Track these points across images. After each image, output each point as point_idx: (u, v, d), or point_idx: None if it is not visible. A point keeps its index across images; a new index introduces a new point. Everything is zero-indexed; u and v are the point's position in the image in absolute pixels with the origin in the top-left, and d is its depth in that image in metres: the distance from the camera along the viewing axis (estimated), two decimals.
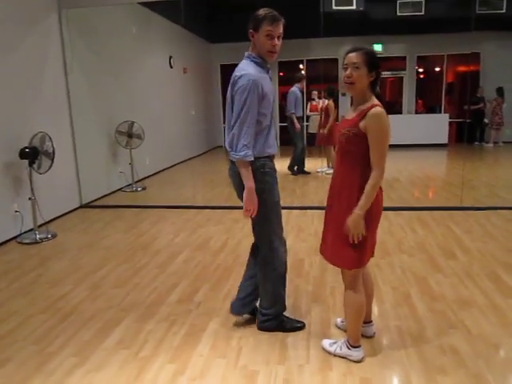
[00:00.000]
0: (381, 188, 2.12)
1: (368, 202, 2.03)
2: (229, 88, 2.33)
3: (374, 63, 2.05)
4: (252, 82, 2.21)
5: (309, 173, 7.64)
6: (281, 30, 2.28)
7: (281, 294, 2.54)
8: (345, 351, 2.25)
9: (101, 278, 3.43)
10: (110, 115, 6.36)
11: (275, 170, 2.45)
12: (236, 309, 2.64)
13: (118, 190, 6.47)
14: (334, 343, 2.32)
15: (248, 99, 2.21)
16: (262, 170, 2.34)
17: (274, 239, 2.46)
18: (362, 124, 2.03)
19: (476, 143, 10.24)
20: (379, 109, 2.01)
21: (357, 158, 2.07)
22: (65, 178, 5.32)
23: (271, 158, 2.42)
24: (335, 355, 2.28)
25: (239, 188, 2.37)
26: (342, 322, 2.55)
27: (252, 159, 2.27)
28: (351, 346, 2.23)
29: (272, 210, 2.41)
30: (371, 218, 2.09)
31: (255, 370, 2.20)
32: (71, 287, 3.26)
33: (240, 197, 2.39)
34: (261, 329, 2.57)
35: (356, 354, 2.22)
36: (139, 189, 6.57)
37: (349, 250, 2.11)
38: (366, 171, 2.04)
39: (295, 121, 7.39)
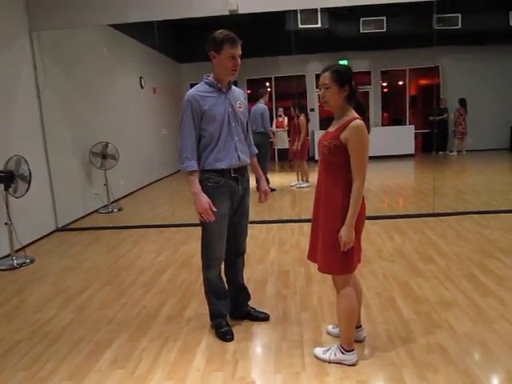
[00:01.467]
0: (363, 197, 2.23)
1: (355, 212, 2.13)
2: None
3: (343, 79, 2.16)
4: (187, 101, 2.44)
5: (274, 189, 7.30)
6: (240, 50, 2.47)
7: (213, 301, 2.71)
8: (339, 356, 2.31)
9: (86, 300, 3.38)
10: (84, 136, 6.31)
11: (228, 185, 2.55)
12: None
13: (94, 211, 6.38)
14: (327, 350, 2.38)
15: (184, 115, 2.45)
16: (206, 182, 2.51)
17: (207, 253, 2.64)
18: (342, 136, 2.14)
19: (440, 153, 10.64)
20: (358, 121, 2.13)
21: (339, 168, 2.18)
22: (40, 201, 5.23)
23: (223, 171, 2.52)
24: (330, 362, 2.33)
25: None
26: (334, 328, 2.61)
27: (193, 169, 2.46)
28: (345, 351, 2.30)
29: (209, 224, 2.53)
30: (357, 228, 2.20)
31: (253, 381, 2.23)
32: (56, 311, 3.20)
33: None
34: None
35: (350, 357, 2.28)
36: (115, 210, 6.50)
37: (338, 256, 2.19)
38: (349, 179, 2.16)
39: (273, 138, 7.48)
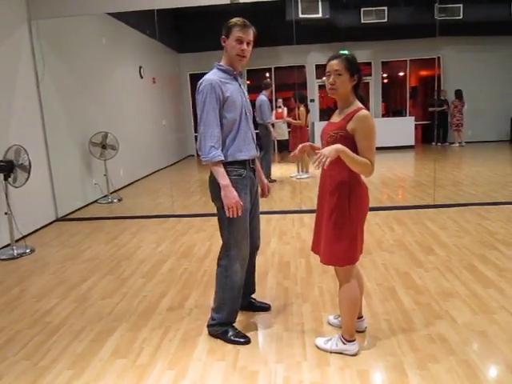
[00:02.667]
0: (366, 187, 2.23)
1: (352, 160, 2.07)
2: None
3: (354, 68, 2.14)
4: (209, 85, 2.29)
5: (274, 180, 7.52)
6: (250, 36, 2.38)
7: (228, 303, 2.51)
8: (341, 346, 2.32)
9: (87, 290, 3.38)
10: (83, 126, 6.28)
11: (249, 177, 2.45)
12: None
13: (94, 201, 6.37)
14: (329, 340, 2.38)
15: (207, 101, 2.29)
16: (229, 175, 2.35)
17: (232, 247, 2.45)
18: (349, 126, 2.12)
19: (439, 144, 10.63)
20: (365, 111, 2.11)
21: (341, 161, 2.16)
22: (39, 191, 5.22)
23: (244, 162, 2.43)
24: (331, 352, 2.34)
25: (213, 192, 2.43)
26: (335, 318, 2.62)
27: (221, 159, 2.31)
28: (346, 341, 2.30)
29: (235, 218, 2.37)
30: (360, 214, 2.20)
31: (255, 371, 2.24)
32: (57, 300, 3.20)
33: (213, 201, 2.45)
34: (208, 330, 2.60)
35: (352, 347, 2.29)
36: (115, 200, 6.50)
37: (342, 248, 2.19)
38: (349, 172, 2.15)
39: (272, 129, 7.51)
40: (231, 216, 2.34)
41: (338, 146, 2.04)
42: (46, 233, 5.07)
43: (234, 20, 2.37)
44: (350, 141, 2.12)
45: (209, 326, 2.60)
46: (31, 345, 2.61)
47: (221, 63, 2.43)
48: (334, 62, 2.14)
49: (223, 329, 2.54)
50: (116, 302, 3.14)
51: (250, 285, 2.81)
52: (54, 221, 5.47)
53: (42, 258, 4.17)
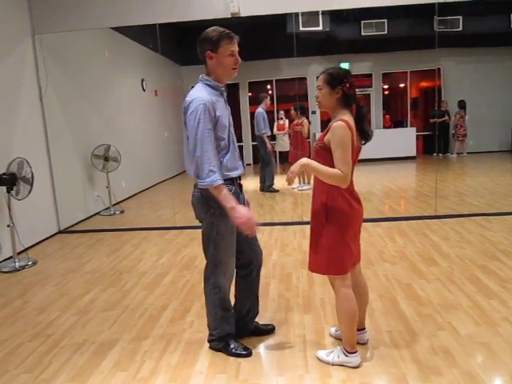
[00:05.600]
0: (352, 199, 2.23)
1: (317, 171, 2.14)
2: (182, 115, 2.27)
3: (335, 81, 2.18)
4: (203, 105, 2.17)
5: (278, 190, 7.66)
6: (237, 46, 2.30)
7: (221, 316, 2.48)
8: (342, 358, 2.31)
9: (88, 302, 3.38)
10: (86, 138, 6.32)
11: (236, 193, 2.35)
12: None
13: (96, 214, 6.39)
14: (331, 352, 2.37)
15: (201, 123, 2.16)
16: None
17: (219, 265, 2.41)
18: (326, 138, 2.18)
19: (440, 155, 10.64)
20: (339, 122, 2.12)
21: None
22: (42, 203, 5.24)
23: (233, 179, 2.35)
24: (333, 364, 2.32)
25: (196, 208, 2.38)
26: (337, 330, 2.61)
27: (220, 183, 2.19)
28: (348, 353, 2.29)
29: (222, 237, 2.35)
30: (338, 225, 2.20)
31: (257, 383, 2.23)
32: (59, 313, 3.20)
33: (198, 217, 2.41)
34: (209, 346, 2.57)
35: (354, 359, 2.28)
36: (117, 212, 6.51)
37: (324, 256, 2.24)
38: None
39: (266, 140, 7.58)
40: (251, 235, 2.33)
41: (303, 160, 2.16)
42: (48, 245, 5.07)
43: (216, 32, 2.24)
44: (328, 152, 2.16)
45: (209, 341, 2.58)
46: (32, 357, 2.61)
47: (208, 78, 2.30)
48: (319, 77, 2.25)
49: (224, 342, 2.52)
50: (117, 314, 3.13)
51: (254, 308, 2.67)
52: (56, 233, 5.48)
53: (44, 271, 4.17)
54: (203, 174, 2.19)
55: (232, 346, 2.50)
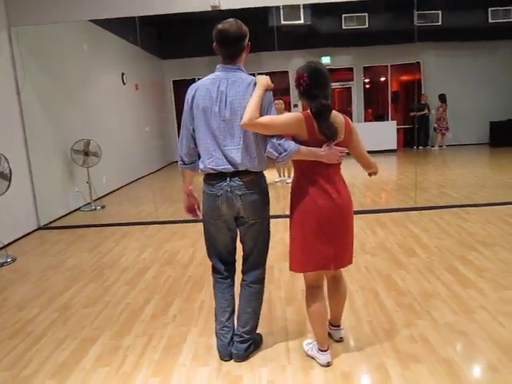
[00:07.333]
0: (320, 194, 2.15)
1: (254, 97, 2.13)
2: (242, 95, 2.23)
3: (296, 77, 2.24)
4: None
5: None
6: None
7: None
8: (314, 353, 2.32)
9: (69, 298, 3.35)
10: (65, 133, 6.23)
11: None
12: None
13: (76, 209, 6.31)
14: (310, 343, 2.40)
15: (272, 104, 2.25)
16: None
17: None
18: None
19: (420, 148, 10.80)
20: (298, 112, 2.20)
21: (294, 163, 2.25)
22: (21, 199, 5.15)
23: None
24: (307, 356, 2.35)
25: (259, 209, 2.36)
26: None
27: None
28: (318, 350, 2.29)
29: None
30: (298, 219, 2.21)
31: (239, 375, 2.24)
32: (39, 310, 3.16)
33: (254, 219, 2.37)
34: (246, 358, 2.37)
35: (322, 357, 2.26)
36: (98, 207, 6.44)
37: (290, 249, 2.29)
38: (298, 176, 2.24)
39: None
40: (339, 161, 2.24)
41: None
42: (27, 242, 5.00)
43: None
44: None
45: (247, 349, 2.38)
46: (12, 355, 2.57)
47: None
48: None
49: (254, 339, 2.45)
50: (99, 310, 3.11)
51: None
52: (35, 229, 5.40)
53: (23, 268, 4.11)
54: (284, 146, 2.11)
55: (257, 337, 2.50)
